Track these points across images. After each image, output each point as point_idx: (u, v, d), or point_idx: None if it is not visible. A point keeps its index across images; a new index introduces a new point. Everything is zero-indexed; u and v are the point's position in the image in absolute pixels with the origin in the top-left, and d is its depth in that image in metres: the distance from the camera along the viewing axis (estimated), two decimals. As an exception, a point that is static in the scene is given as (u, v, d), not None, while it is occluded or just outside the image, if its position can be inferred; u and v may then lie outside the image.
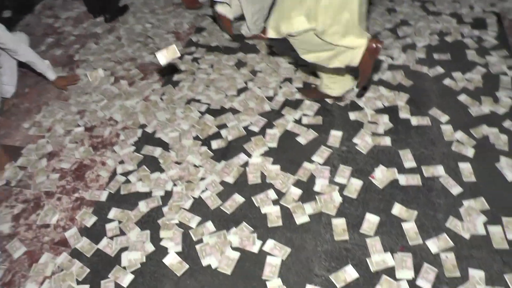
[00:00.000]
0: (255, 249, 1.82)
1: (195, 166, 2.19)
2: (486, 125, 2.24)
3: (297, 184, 2.05)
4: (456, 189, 1.96)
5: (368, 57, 1.90)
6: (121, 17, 3.59)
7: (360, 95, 2.44)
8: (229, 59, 2.92)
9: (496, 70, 2.60)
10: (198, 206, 2.01)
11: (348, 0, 1.76)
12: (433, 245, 1.76)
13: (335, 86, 2.36)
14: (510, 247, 1.73)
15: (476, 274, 1.66)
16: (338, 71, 2.23)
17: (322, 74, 2.32)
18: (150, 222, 1.97)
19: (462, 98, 2.43)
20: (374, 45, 1.86)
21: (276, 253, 1.80)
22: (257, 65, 2.81)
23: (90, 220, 2.00)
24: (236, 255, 1.80)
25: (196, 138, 2.35)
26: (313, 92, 2.48)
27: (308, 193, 2.01)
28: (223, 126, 2.40)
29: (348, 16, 1.80)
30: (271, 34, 2.01)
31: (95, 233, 1.96)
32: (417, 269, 1.69)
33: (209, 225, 1.92)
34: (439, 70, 2.65)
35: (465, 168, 2.04)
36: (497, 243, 1.75)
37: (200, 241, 1.87)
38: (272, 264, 1.76)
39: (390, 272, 1.70)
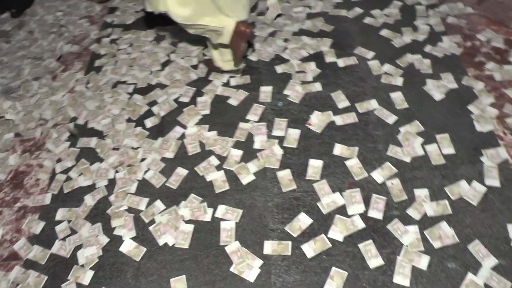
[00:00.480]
0: (207, 217, 1.88)
1: (133, 148, 2.20)
2: (410, 54, 2.43)
3: (237, 145, 2.13)
4: (391, 118, 2.12)
5: (238, 39, 2.11)
6: (28, 10, 3.44)
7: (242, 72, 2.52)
8: (147, 34, 2.92)
9: (411, 1, 2.81)
10: (144, 188, 2.03)
11: None
12: (378, 175, 1.91)
13: (223, 61, 2.45)
14: (446, 161, 1.93)
15: (421, 193, 1.83)
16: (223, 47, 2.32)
17: (211, 48, 2.41)
18: (100, 214, 1.97)
19: (384, 32, 2.61)
20: (242, 29, 2.06)
21: (229, 217, 1.87)
22: (177, 36, 2.83)
23: (38, 227, 1.97)
24: (190, 227, 1.86)
25: (129, 120, 2.36)
26: (212, 63, 2.54)
27: (248, 152, 2.09)
28: (154, 103, 2.42)
29: None
30: (148, 8, 2.08)
31: (45, 239, 1.93)
32: (366, 202, 1.83)
33: (158, 204, 1.96)
34: (358, 10, 2.80)
35: (397, 96, 2.21)
36: (435, 160, 1.93)
37: (153, 222, 1.90)
38: (227, 228, 1.84)
39: (342, 210, 1.83)
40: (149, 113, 2.37)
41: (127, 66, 2.69)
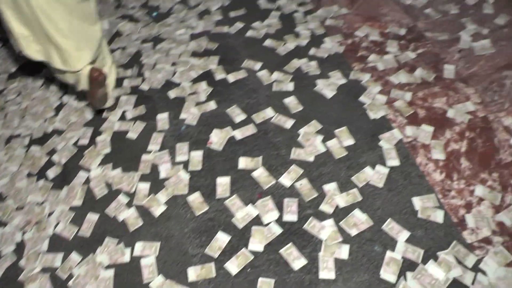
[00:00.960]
0: (126, 258, 1.87)
1: (38, 204, 2.14)
2: (296, 59, 2.63)
3: (143, 178, 2.15)
4: (288, 123, 2.27)
5: (93, 86, 2.23)
6: None
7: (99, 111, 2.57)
8: (35, 80, 2.85)
9: (288, 10, 3.06)
10: (57, 242, 1.98)
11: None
12: (285, 179, 2.03)
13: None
14: (348, 152, 2.11)
15: (330, 187, 1.97)
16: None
17: None
18: (10, 284, 1.87)
19: (268, 43, 2.80)
20: (95, 75, 2.17)
21: (148, 253, 1.87)
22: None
23: None
24: (110, 273, 1.83)
25: (30, 175, 2.28)
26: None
27: (156, 183, 2.12)
28: (53, 151, 2.38)
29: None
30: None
31: None
32: (279, 207, 1.93)
33: (74, 256, 1.91)
34: (239, 25, 2.99)
35: (290, 101, 2.38)
36: (338, 154, 2.10)
37: (71, 276, 1.85)
38: (148, 264, 1.84)
39: (257, 221, 1.91)
40: (49, 163, 2.32)
41: (18, 117, 2.61)
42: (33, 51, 2.14)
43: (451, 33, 2.73)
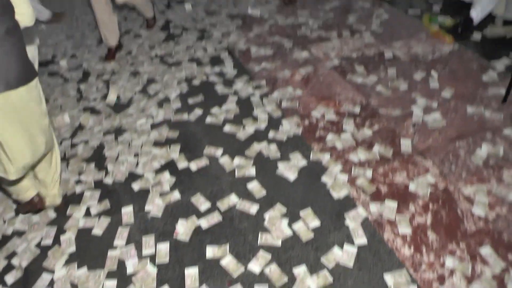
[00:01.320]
0: None
1: None
2: (256, 143, 2.75)
3: (110, 275, 2.13)
4: (253, 208, 2.34)
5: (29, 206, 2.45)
6: None
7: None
8: None
9: (244, 94, 3.24)
10: None
11: None
12: (255, 266, 2.06)
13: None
14: (314, 234, 2.17)
15: (300, 270, 2.01)
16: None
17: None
18: None
19: (227, 128, 2.93)
20: (35, 201, 2.40)
21: None
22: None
23: None
24: None
25: None
26: (23, 205, 2.55)
27: (123, 279, 2.10)
28: (13, 254, 2.32)
29: None
30: None
31: None
32: (250, 295, 1.96)
33: None
34: (198, 112, 3.12)
35: (254, 186, 2.46)
36: (305, 236, 2.17)
37: None
38: None
39: (228, 312, 1.91)
40: (8, 268, 2.26)
41: None
42: None
43: (403, 108, 2.95)
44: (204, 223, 2.30)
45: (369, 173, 2.47)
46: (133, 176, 2.68)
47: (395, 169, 2.49)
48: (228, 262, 2.10)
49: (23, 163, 2.11)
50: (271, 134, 2.83)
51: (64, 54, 4.15)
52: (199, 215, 2.35)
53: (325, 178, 2.48)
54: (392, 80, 3.25)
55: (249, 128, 2.89)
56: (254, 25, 4.31)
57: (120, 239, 2.30)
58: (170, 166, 2.70)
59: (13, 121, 1.98)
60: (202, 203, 2.42)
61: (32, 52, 2.40)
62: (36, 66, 2.45)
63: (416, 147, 2.62)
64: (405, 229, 2.16)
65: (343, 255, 2.06)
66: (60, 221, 2.47)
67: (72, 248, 2.30)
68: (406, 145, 2.63)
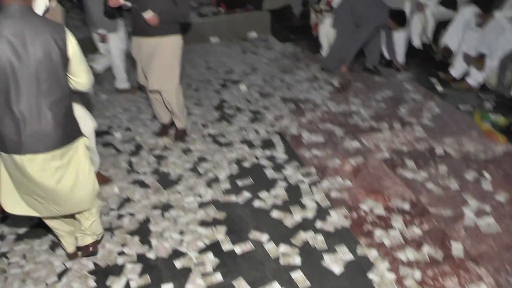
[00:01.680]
0: None
1: None
2: (302, 231, 2.75)
3: None
4: (296, 300, 2.30)
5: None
6: None
7: None
8: (42, 243, 2.89)
9: (294, 180, 3.28)
10: None
11: None
12: None
13: None
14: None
15: None
16: None
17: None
18: None
19: (275, 214, 2.95)
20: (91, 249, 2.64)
21: None
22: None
23: None
24: None
25: None
26: None
27: None
28: None
29: None
30: None
31: None
32: None
33: None
34: (247, 195, 3.17)
35: (298, 276, 2.44)
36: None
37: None
38: None
39: None
40: None
41: (19, 281, 2.61)
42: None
43: (454, 208, 2.90)
44: (245, 310, 2.28)
45: (418, 274, 2.41)
46: (176, 254, 2.70)
47: (446, 274, 2.41)
48: None
49: None
50: (318, 224, 2.82)
51: (119, 126, 4.34)
52: (241, 301, 2.33)
53: (371, 275, 2.43)
54: (443, 178, 3.23)
55: (297, 216, 2.90)
56: (307, 110, 4.41)
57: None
58: (214, 247, 2.72)
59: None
60: (243, 287, 2.40)
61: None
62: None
63: (469, 252, 2.54)
64: None
65: None
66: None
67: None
68: (457, 248, 2.56)
